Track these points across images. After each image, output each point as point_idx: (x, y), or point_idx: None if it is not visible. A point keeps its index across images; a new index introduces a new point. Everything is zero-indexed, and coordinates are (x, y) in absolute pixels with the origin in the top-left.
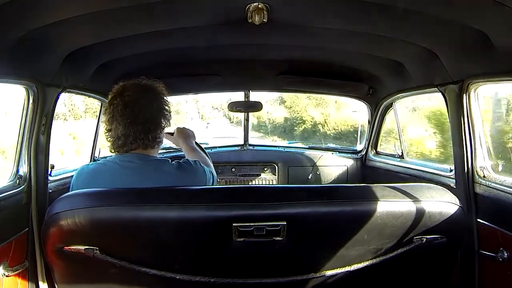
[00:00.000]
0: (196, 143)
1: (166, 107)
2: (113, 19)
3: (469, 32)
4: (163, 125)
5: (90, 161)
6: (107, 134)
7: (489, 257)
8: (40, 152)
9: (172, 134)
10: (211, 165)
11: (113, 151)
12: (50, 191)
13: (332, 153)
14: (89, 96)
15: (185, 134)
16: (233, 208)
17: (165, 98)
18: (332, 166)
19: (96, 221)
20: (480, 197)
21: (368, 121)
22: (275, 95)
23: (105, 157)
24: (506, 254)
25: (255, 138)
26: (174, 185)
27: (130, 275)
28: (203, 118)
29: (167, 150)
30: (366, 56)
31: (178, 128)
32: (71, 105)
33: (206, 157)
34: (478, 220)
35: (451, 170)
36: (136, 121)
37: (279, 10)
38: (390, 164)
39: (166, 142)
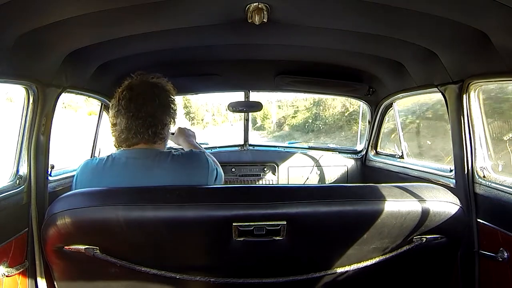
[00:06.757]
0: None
1: (171, 105)
2: (113, 19)
3: (469, 32)
4: (165, 122)
5: None
6: (112, 128)
7: (489, 257)
8: (40, 152)
9: (173, 134)
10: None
11: (117, 145)
12: (50, 191)
13: (332, 153)
14: (89, 96)
15: (185, 133)
16: (233, 207)
17: (171, 96)
18: (332, 166)
19: (96, 221)
20: (480, 197)
21: (368, 121)
22: None
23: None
24: (506, 254)
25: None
26: (180, 173)
27: (130, 275)
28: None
29: (168, 150)
30: (366, 56)
31: (179, 128)
32: None
33: None
34: (478, 220)
35: (451, 170)
36: (137, 115)
37: (279, 10)
38: (390, 164)
39: (168, 142)
